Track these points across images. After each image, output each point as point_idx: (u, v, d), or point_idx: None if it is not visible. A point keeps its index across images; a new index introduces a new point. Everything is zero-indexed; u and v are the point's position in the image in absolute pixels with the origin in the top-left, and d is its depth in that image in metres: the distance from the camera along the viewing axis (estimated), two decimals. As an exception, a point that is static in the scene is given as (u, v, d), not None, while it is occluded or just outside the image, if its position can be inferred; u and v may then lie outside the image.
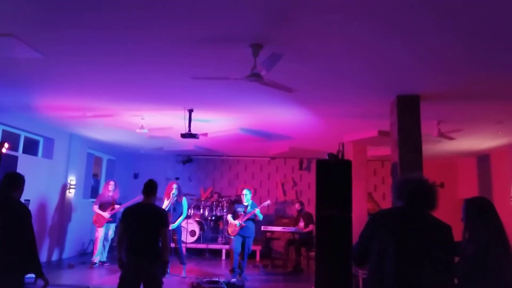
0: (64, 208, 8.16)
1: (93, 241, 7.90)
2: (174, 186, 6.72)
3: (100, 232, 7.49)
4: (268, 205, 7.61)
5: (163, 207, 6.44)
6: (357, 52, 3.60)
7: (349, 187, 5.08)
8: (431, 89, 4.56)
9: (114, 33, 3.36)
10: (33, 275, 3.23)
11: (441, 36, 3.20)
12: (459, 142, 7.22)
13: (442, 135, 6.15)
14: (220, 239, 9.42)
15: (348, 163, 5.18)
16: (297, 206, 8.58)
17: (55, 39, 3.51)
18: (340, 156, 5.38)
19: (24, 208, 3.25)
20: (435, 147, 7.64)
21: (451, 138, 6.47)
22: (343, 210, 4.98)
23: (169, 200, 6.61)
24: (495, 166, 8.41)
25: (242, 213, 6.70)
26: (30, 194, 6.57)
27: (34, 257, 3.15)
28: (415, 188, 2.25)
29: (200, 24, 3.12)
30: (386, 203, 9.81)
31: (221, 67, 4.03)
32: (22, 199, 3.47)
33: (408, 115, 4.78)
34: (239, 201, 7.25)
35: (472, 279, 2.27)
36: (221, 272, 7.23)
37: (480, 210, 2.46)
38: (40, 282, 3.24)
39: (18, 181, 3.32)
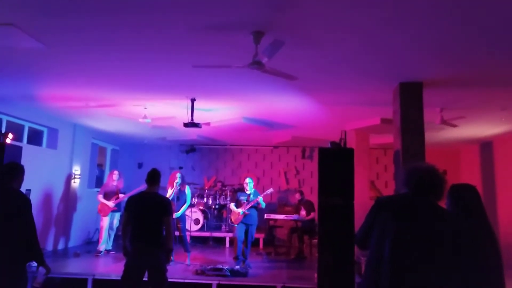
0: (69, 198, 8.24)
1: (98, 230, 8.00)
2: (178, 175, 6.75)
3: (105, 221, 7.57)
4: (271, 193, 7.65)
5: (167, 196, 6.49)
6: (360, 39, 3.58)
7: (351, 175, 5.08)
8: (434, 76, 4.53)
9: (115, 21, 3.34)
10: (35, 263, 3.29)
11: (445, 22, 3.17)
12: (462, 129, 7.19)
13: (445, 122, 6.13)
14: (223, 227, 9.51)
15: (351, 151, 5.18)
16: (297, 196, 8.64)
17: (56, 28, 3.49)
18: (342, 144, 5.38)
19: (23, 198, 3.27)
20: (438, 134, 7.62)
21: (454, 125, 6.45)
22: (346, 198, 4.99)
23: (172, 189, 6.66)
24: (498, 153, 8.39)
25: (245, 201, 6.75)
26: (34, 184, 6.65)
27: (34, 246, 3.18)
28: (422, 176, 2.25)
29: (200, 11, 3.10)
30: (389, 191, 9.82)
31: (223, 55, 4.01)
32: (23, 189, 3.50)
33: (410, 102, 4.76)
34: (242, 189, 7.29)
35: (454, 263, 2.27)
36: (225, 259, 7.31)
37: (462, 196, 2.46)
38: (42, 270, 3.29)
39: (17, 171, 3.33)
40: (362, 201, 6.83)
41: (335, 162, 5.08)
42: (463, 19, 3.11)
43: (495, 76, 4.51)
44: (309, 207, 8.07)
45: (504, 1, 2.83)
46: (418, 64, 4.24)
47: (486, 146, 8.84)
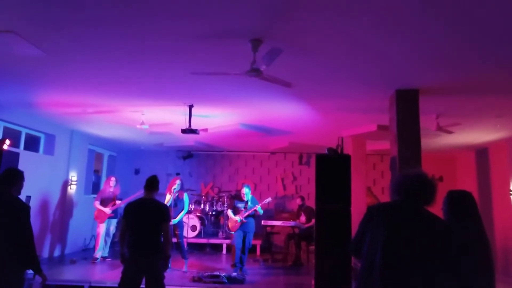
0: (66, 204, 8.21)
1: (95, 237, 7.96)
2: (177, 181, 6.75)
3: (102, 228, 7.54)
4: (268, 202, 7.63)
5: (165, 202, 6.48)
6: (356, 47, 3.62)
7: (348, 181, 5.11)
8: (430, 83, 4.58)
9: (114, 30, 3.37)
10: (31, 271, 3.26)
11: (440, 30, 3.22)
12: (457, 135, 7.25)
13: (441, 129, 6.18)
14: (220, 233, 9.50)
15: (347, 157, 5.21)
16: (298, 201, 8.65)
17: (55, 35, 3.52)
18: (339, 150, 5.41)
19: (22, 205, 3.24)
20: (434, 141, 7.67)
21: (449, 132, 6.50)
22: (343, 204, 5.02)
23: (171, 195, 6.66)
24: (493, 160, 8.44)
25: (243, 209, 6.75)
26: (31, 191, 6.61)
27: (32, 254, 3.16)
28: (412, 183, 2.28)
29: (199, 19, 3.14)
30: (385, 197, 9.85)
31: (221, 62, 4.05)
32: (23, 195, 3.46)
33: (407, 109, 4.80)
34: (239, 196, 7.29)
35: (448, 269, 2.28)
36: (222, 266, 7.30)
37: (458, 202, 2.49)
38: (39, 279, 3.27)
39: (15, 177, 3.29)
40: (359, 207, 6.84)
41: (332, 168, 5.12)
42: (459, 27, 3.16)
43: (491, 84, 4.56)
44: (310, 214, 8.06)
45: (500, 12, 2.88)
46: (414, 72, 4.28)
47: (481, 152, 8.90)
